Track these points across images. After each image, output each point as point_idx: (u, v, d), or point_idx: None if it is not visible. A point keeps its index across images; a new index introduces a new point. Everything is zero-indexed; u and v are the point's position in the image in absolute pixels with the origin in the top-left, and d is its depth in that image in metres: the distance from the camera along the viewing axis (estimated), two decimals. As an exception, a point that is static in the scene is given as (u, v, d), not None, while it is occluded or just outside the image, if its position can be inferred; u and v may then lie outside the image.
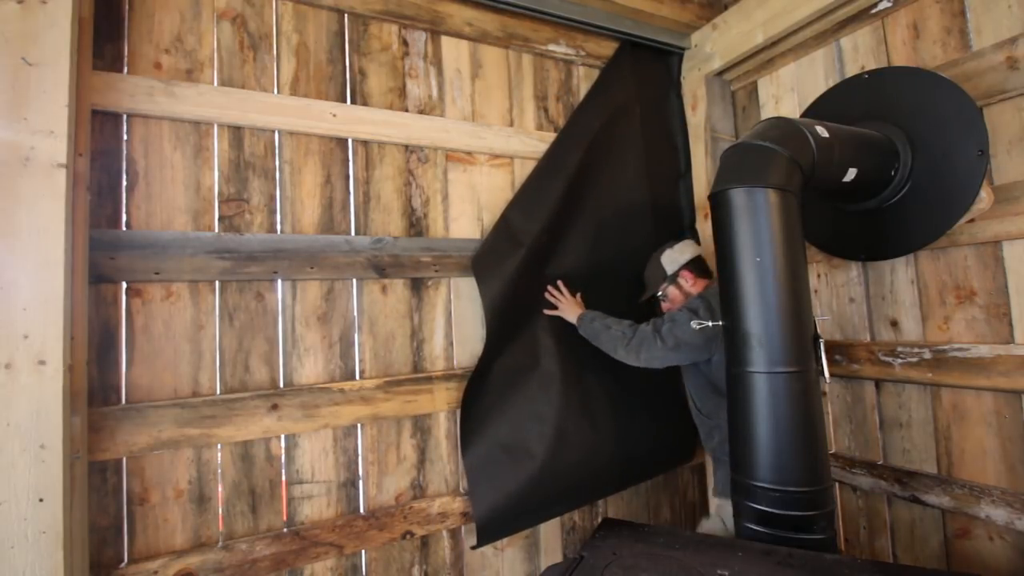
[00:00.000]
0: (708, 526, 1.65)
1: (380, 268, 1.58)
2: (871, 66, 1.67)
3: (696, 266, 1.75)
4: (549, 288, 1.78)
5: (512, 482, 1.62)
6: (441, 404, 1.63)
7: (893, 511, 1.66)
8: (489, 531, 1.59)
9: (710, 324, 1.48)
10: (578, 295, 1.80)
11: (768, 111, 2.04)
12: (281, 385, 1.44)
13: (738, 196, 1.33)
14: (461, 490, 1.65)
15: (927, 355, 1.53)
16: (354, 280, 1.56)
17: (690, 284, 1.73)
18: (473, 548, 1.59)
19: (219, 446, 1.35)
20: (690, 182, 2.16)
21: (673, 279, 1.75)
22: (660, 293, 1.78)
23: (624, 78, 2.05)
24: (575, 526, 1.88)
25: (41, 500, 1.03)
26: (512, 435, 1.66)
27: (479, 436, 1.62)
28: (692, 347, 1.55)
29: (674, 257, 1.75)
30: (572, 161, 1.83)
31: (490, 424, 1.64)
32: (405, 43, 1.71)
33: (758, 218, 1.31)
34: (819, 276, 1.86)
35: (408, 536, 1.55)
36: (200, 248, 1.35)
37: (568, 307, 1.76)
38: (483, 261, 1.67)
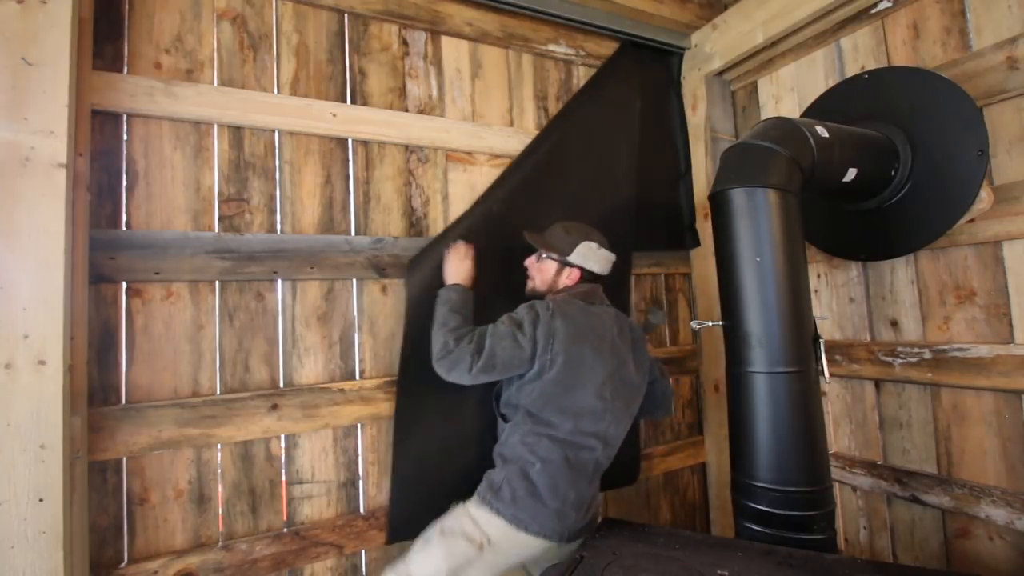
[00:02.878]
0: (451, 522, 1.35)
1: (380, 268, 1.58)
2: (871, 66, 1.67)
3: (589, 277, 1.52)
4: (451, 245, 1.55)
5: (434, 483, 1.53)
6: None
7: (893, 511, 1.66)
8: (404, 530, 1.48)
9: (544, 340, 1.35)
10: (470, 257, 1.52)
11: (768, 111, 2.05)
12: (281, 385, 1.44)
13: (738, 196, 1.33)
14: (461, 490, 1.65)
15: (927, 355, 1.53)
16: (354, 280, 1.56)
17: (565, 279, 1.51)
18: (388, 544, 1.51)
19: (219, 446, 1.35)
20: (690, 182, 2.16)
21: (565, 264, 1.51)
22: (541, 255, 1.54)
23: (620, 76, 2.04)
24: (575, 526, 1.87)
25: (41, 500, 1.03)
26: (441, 440, 1.55)
27: (408, 437, 1.52)
28: (508, 366, 1.35)
29: (590, 256, 1.50)
30: (546, 157, 1.77)
31: (419, 425, 1.53)
32: (405, 43, 1.71)
33: (758, 218, 1.31)
34: (819, 276, 1.86)
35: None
36: (200, 248, 1.35)
37: (450, 264, 1.51)
38: (417, 261, 1.56)
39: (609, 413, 1.40)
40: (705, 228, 2.09)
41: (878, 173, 1.50)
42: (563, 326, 1.37)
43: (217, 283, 1.39)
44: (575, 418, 1.37)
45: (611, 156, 1.97)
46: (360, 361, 1.55)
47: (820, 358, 1.34)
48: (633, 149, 2.01)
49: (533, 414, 1.38)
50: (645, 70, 2.12)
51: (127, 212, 1.31)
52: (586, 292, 1.49)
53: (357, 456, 1.52)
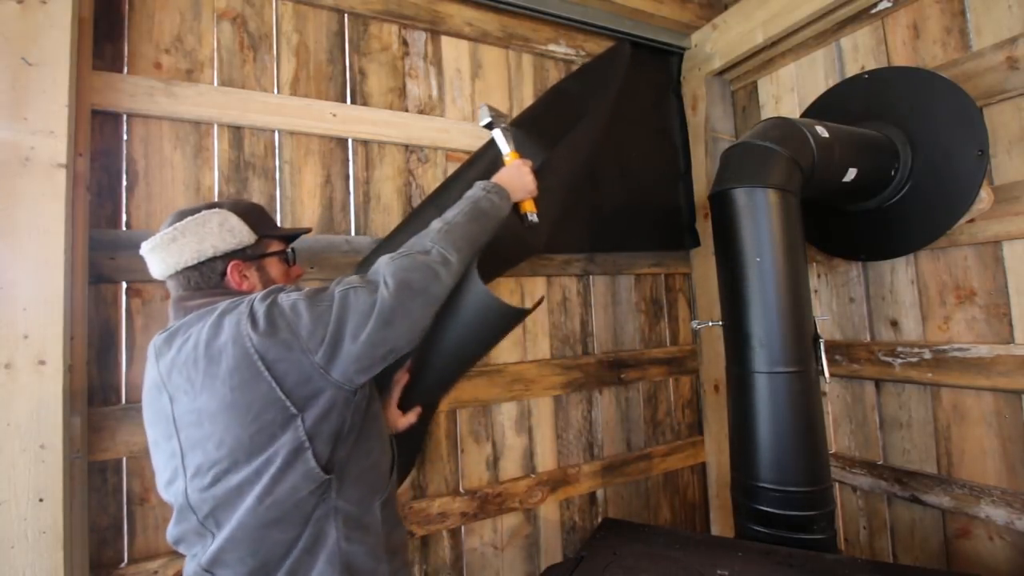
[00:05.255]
0: None
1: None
2: (871, 66, 1.67)
3: (173, 288, 0.94)
4: None
5: None
6: (441, 404, 1.63)
7: (893, 511, 1.66)
8: None
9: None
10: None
11: (768, 111, 2.04)
12: (281, 385, 1.44)
13: (738, 196, 1.34)
14: (461, 490, 1.65)
15: (927, 355, 1.53)
16: (354, 280, 1.55)
17: (250, 278, 0.97)
18: None
19: (219, 446, 1.35)
20: (690, 182, 2.16)
21: (255, 258, 0.98)
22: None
23: (600, 72, 1.94)
24: (575, 526, 1.88)
25: (41, 500, 1.03)
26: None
27: None
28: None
29: (227, 232, 0.93)
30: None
31: None
32: (405, 43, 1.71)
33: (758, 218, 1.31)
34: (819, 276, 1.86)
35: (408, 536, 1.54)
36: (200, 248, 1.35)
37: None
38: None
39: (201, 506, 0.84)
40: (705, 228, 2.09)
41: (878, 173, 1.50)
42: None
43: (217, 283, 1.38)
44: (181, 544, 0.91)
45: (565, 145, 1.66)
46: (360, 361, 1.55)
47: (820, 358, 1.34)
48: (594, 143, 1.75)
49: None
50: (644, 69, 2.11)
51: (127, 212, 1.31)
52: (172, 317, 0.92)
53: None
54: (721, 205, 1.38)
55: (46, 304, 1.06)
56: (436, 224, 0.99)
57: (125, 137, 1.32)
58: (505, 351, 1.78)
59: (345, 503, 0.89)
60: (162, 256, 0.90)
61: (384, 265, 0.90)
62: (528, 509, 1.77)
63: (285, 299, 0.84)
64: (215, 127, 1.41)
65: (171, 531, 0.89)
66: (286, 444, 0.81)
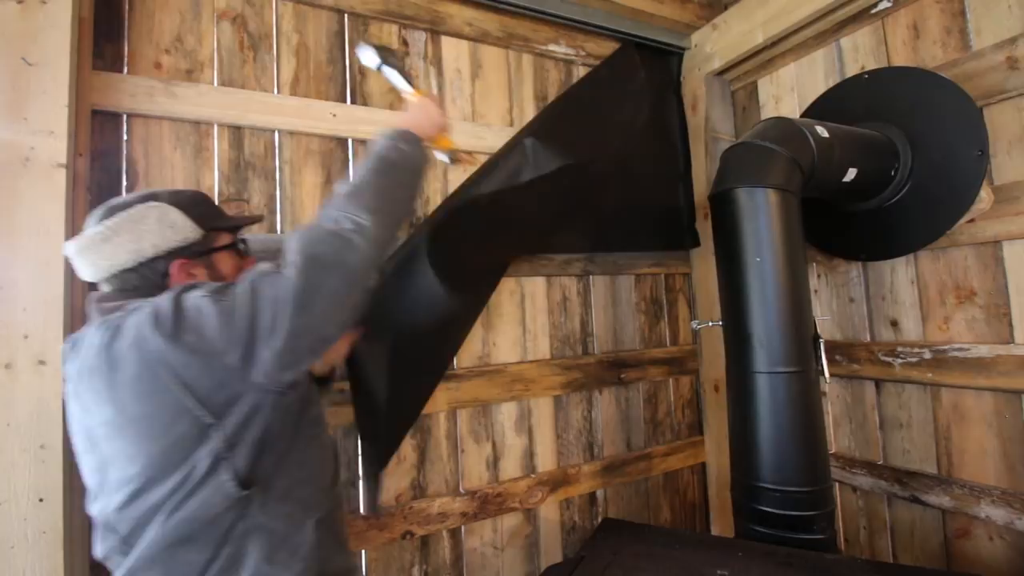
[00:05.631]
0: None
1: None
2: (871, 66, 1.67)
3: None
4: None
5: None
6: (441, 404, 1.63)
7: (893, 511, 1.66)
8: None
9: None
10: None
11: (768, 111, 2.04)
12: (281, 385, 1.43)
13: (738, 196, 1.34)
14: (461, 490, 1.65)
15: (927, 355, 1.53)
16: (354, 280, 1.55)
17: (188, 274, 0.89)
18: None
19: (219, 446, 1.35)
20: (690, 182, 2.16)
21: (202, 254, 0.91)
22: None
23: (614, 76, 1.99)
24: (575, 526, 1.88)
25: (41, 500, 1.03)
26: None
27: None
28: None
29: (167, 232, 0.85)
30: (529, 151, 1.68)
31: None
32: (405, 43, 1.71)
33: (758, 218, 1.31)
34: (819, 276, 1.86)
35: (408, 536, 1.54)
36: (200, 248, 1.35)
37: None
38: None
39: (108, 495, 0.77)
40: (705, 228, 2.09)
41: (878, 173, 1.50)
42: None
43: (217, 283, 1.38)
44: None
45: (581, 148, 1.76)
46: (360, 361, 1.55)
47: (820, 358, 1.34)
48: (606, 147, 1.82)
49: None
50: (644, 70, 2.11)
51: (127, 212, 1.31)
52: None
53: (357, 456, 1.52)
54: (721, 205, 1.38)
55: (46, 304, 1.07)
56: (342, 188, 0.87)
57: (125, 137, 1.32)
58: (505, 351, 1.78)
59: (270, 520, 0.81)
60: (93, 259, 0.82)
61: (291, 244, 0.79)
62: (528, 509, 1.77)
63: (189, 298, 0.75)
64: (215, 127, 1.41)
65: (97, 549, 0.81)
66: (204, 457, 0.74)
